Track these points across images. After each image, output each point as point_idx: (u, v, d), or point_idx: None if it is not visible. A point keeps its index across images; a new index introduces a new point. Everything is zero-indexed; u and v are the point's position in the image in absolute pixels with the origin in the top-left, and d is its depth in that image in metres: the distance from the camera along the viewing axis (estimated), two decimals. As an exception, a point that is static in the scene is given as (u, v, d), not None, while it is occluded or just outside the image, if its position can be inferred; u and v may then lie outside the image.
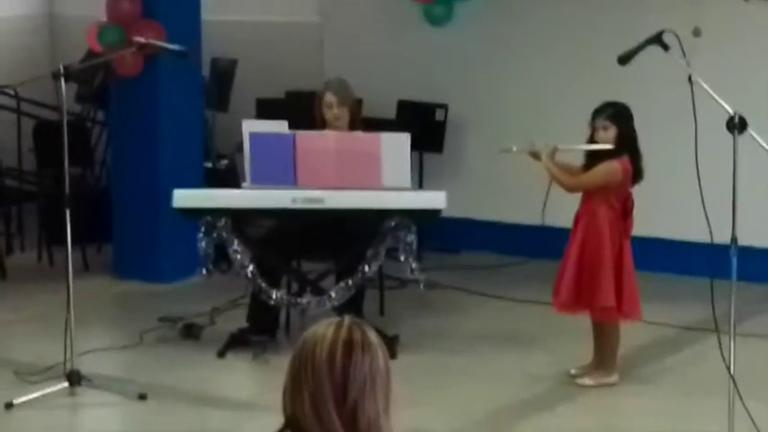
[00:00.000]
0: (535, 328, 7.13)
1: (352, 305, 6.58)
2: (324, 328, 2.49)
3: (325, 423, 2.43)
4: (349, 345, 2.45)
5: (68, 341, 6.01)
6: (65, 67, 6.08)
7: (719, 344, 5.08)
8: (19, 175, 9.29)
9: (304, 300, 6.67)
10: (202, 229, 6.52)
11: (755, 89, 7.80)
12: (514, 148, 6.30)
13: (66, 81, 6.09)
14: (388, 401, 2.47)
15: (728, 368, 5.01)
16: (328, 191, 6.46)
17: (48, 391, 5.98)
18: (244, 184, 6.80)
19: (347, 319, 2.52)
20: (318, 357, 2.44)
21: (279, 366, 2.54)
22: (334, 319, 2.52)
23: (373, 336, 2.50)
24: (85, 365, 6.18)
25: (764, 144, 4.96)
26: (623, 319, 6.18)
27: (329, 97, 6.81)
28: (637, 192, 6.18)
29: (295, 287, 6.94)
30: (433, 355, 6.72)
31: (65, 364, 6.07)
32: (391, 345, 6.56)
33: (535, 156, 6.19)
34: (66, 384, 6.02)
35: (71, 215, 6.05)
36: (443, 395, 6.15)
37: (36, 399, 5.91)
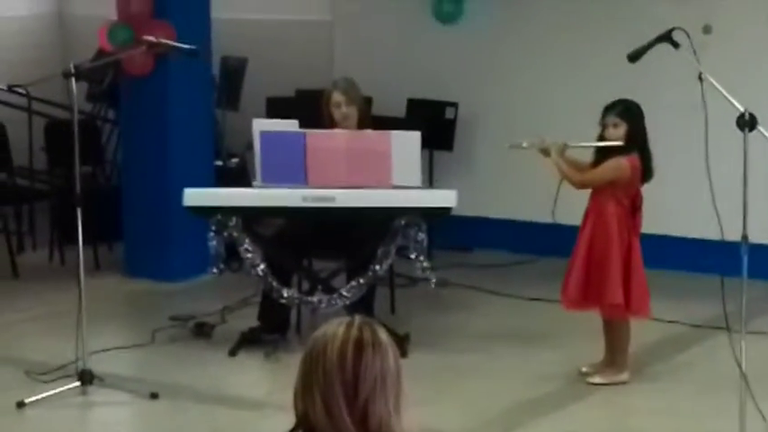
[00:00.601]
0: (546, 326, 7.13)
1: (363, 304, 6.59)
2: (334, 328, 2.49)
3: (336, 423, 2.43)
4: (359, 344, 2.46)
5: (80, 340, 6.02)
6: (75, 67, 6.09)
7: (730, 342, 5.08)
8: (30, 174, 9.31)
9: (315, 298, 6.67)
10: (213, 227, 6.53)
11: (766, 86, 7.78)
12: (524, 144, 6.30)
13: (76, 80, 6.09)
14: (399, 401, 2.47)
15: (740, 366, 5.01)
16: (339, 189, 6.46)
17: (59, 390, 5.99)
18: (254, 183, 6.80)
19: (357, 318, 2.52)
20: (329, 357, 2.45)
21: (290, 365, 2.54)
22: (345, 319, 2.52)
23: (384, 335, 2.51)
24: (97, 364, 6.19)
25: (775, 141, 4.95)
26: (632, 317, 6.17)
27: (337, 96, 6.81)
28: (647, 189, 6.17)
29: (306, 286, 6.95)
30: (443, 354, 6.72)
31: (76, 363, 6.09)
32: (402, 343, 6.56)
33: (545, 152, 6.19)
34: (77, 383, 6.03)
35: (82, 214, 6.06)
36: (454, 394, 6.16)
37: (47, 398, 5.92)
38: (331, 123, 6.84)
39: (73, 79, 6.06)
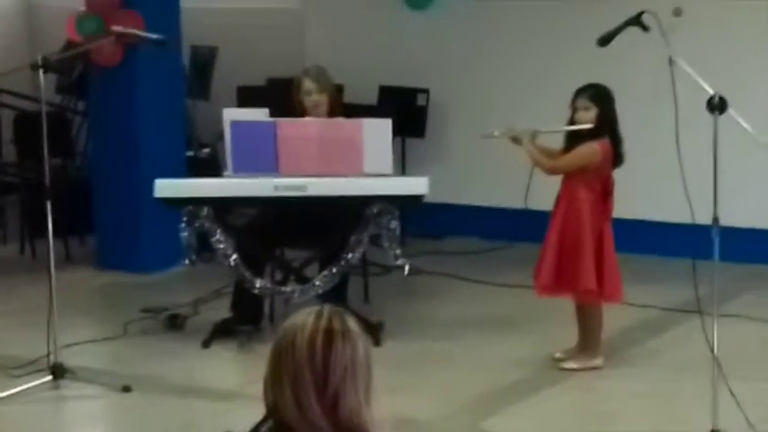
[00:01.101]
0: (519, 312, 7.13)
1: (336, 293, 6.57)
2: (304, 318, 2.48)
3: (306, 413, 2.42)
4: (329, 334, 2.45)
5: (51, 334, 5.99)
6: (43, 58, 6.03)
7: (702, 325, 5.09)
8: None
9: (288, 288, 6.66)
10: (184, 218, 6.50)
11: (737, 68, 7.80)
12: (496, 133, 6.29)
13: (44, 72, 6.04)
14: (369, 391, 2.46)
15: (712, 349, 5.02)
16: (310, 178, 6.44)
17: (31, 384, 5.95)
18: (225, 173, 6.77)
19: (327, 308, 2.51)
20: (299, 347, 2.44)
21: (264, 355, 2.52)
22: (314, 309, 2.51)
23: (353, 325, 2.50)
24: (69, 358, 6.17)
25: (745, 124, 4.96)
26: (605, 302, 6.18)
27: (308, 84, 6.78)
28: (618, 173, 6.17)
29: (279, 276, 6.93)
30: (417, 342, 6.72)
31: (48, 356, 6.05)
32: (376, 332, 6.57)
33: (516, 140, 6.18)
34: (49, 377, 6.00)
35: (53, 206, 6.02)
36: (428, 381, 6.15)
37: (20, 392, 5.88)
38: (302, 111, 6.81)
39: (41, 71, 6.01)
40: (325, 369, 2.42)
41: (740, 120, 4.97)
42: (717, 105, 4.94)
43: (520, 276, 7.23)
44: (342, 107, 7.05)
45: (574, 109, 6.07)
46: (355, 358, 2.45)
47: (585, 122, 6.01)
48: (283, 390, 2.43)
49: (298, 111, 6.82)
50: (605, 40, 5.56)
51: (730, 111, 4.97)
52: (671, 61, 5.15)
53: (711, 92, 4.97)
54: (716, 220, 4.95)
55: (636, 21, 5.34)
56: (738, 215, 7.32)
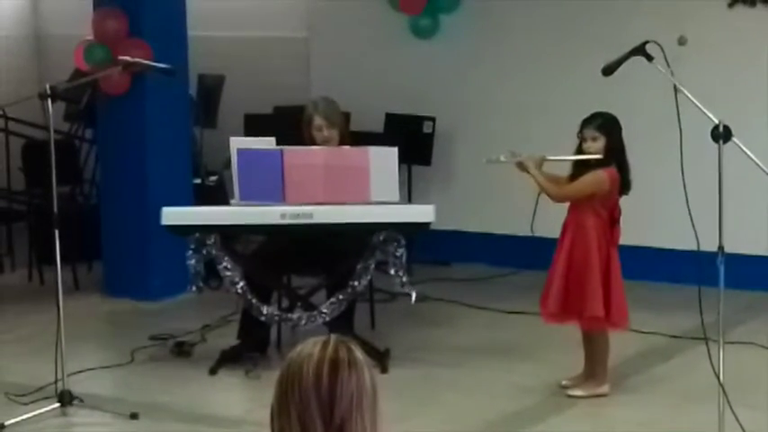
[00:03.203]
0: (526, 339, 7.14)
1: (342, 320, 6.59)
2: (310, 347, 2.50)
3: (312, 442, 2.43)
4: (335, 363, 2.46)
5: (59, 361, 6.01)
6: (51, 87, 6.07)
7: (708, 352, 5.10)
8: (8, 194, 9.28)
9: (295, 315, 6.67)
10: (191, 246, 6.52)
11: (741, 96, 7.83)
12: (502, 158, 6.30)
13: (52, 101, 6.07)
14: (376, 420, 2.48)
15: (718, 376, 5.03)
16: (317, 206, 6.47)
17: (39, 411, 5.97)
18: (232, 201, 6.80)
19: (333, 337, 2.53)
20: (305, 376, 2.45)
21: (271, 382, 2.54)
22: (321, 338, 2.53)
23: (360, 354, 2.51)
24: (77, 385, 6.18)
25: (748, 152, 4.98)
26: (612, 329, 6.19)
27: (318, 121, 6.79)
28: (624, 200, 6.19)
29: (286, 303, 6.95)
30: (424, 369, 6.73)
31: (56, 383, 6.07)
32: (382, 359, 6.58)
33: (521, 166, 6.19)
34: (57, 404, 6.02)
35: (61, 234, 6.05)
36: (435, 408, 6.16)
37: (27, 419, 5.90)
38: (312, 145, 6.82)
39: (49, 100, 6.04)
40: (332, 398, 2.44)
41: (744, 148, 4.99)
42: (721, 134, 4.96)
43: (526, 303, 7.24)
44: (350, 137, 7.07)
45: (582, 139, 6.08)
46: (361, 387, 2.46)
47: (594, 153, 6.02)
48: (290, 420, 2.45)
49: (308, 144, 6.83)
50: (609, 70, 5.58)
51: (734, 139, 4.99)
52: (675, 90, 5.18)
53: (716, 121, 4.99)
54: (721, 248, 4.96)
55: (640, 50, 5.37)
56: (744, 242, 7.36)
